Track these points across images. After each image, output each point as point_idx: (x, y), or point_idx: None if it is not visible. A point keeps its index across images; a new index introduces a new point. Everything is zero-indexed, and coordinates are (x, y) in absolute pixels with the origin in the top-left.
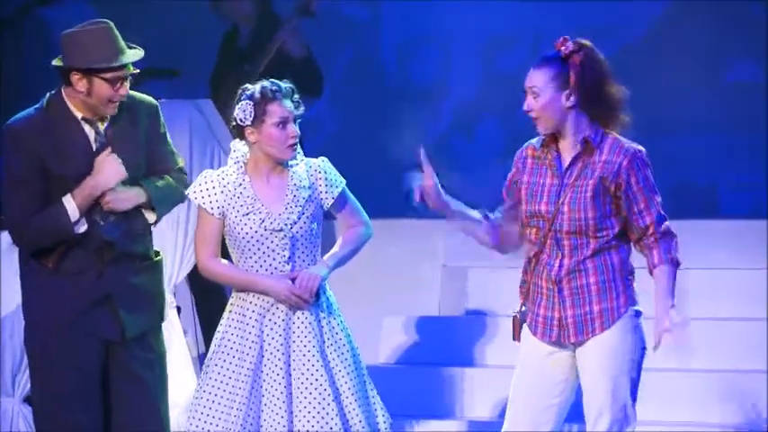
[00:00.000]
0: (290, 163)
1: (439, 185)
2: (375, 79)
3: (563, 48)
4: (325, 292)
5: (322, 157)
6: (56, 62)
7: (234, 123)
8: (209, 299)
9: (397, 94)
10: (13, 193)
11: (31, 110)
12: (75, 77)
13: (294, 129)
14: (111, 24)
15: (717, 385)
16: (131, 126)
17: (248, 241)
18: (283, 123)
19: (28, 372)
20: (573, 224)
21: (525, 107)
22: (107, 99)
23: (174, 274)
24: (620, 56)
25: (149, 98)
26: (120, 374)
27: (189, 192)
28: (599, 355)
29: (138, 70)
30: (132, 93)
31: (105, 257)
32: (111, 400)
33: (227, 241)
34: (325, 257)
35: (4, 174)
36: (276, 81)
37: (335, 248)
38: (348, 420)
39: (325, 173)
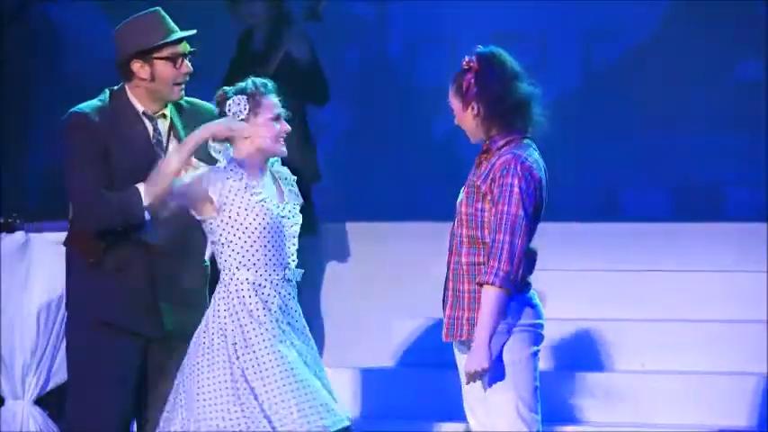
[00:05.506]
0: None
1: None
2: (383, 78)
3: (464, 63)
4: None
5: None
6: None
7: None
8: None
9: (405, 93)
10: (82, 172)
11: (94, 100)
12: (136, 65)
13: (286, 124)
14: (160, 9)
15: (718, 387)
16: (191, 129)
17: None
18: (277, 118)
19: (37, 373)
20: (456, 218)
21: None
22: (171, 80)
23: None
24: (625, 55)
25: (210, 105)
26: (157, 372)
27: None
28: (465, 360)
29: (195, 49)
30: (193, 99)
31: (151, 253)
32: (147, 398)
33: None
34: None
35: (71, 155)
36: (261, 78)
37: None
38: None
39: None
